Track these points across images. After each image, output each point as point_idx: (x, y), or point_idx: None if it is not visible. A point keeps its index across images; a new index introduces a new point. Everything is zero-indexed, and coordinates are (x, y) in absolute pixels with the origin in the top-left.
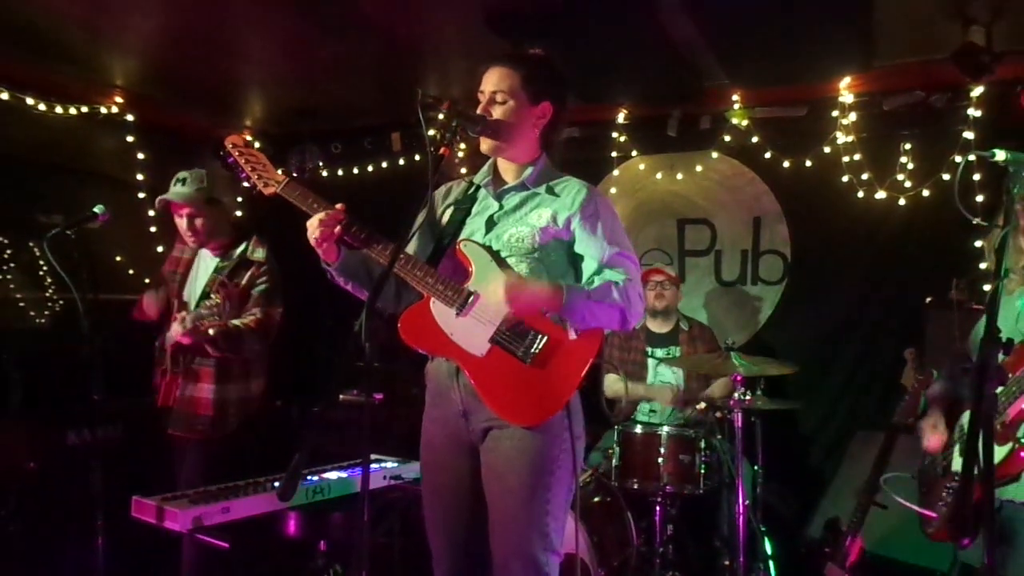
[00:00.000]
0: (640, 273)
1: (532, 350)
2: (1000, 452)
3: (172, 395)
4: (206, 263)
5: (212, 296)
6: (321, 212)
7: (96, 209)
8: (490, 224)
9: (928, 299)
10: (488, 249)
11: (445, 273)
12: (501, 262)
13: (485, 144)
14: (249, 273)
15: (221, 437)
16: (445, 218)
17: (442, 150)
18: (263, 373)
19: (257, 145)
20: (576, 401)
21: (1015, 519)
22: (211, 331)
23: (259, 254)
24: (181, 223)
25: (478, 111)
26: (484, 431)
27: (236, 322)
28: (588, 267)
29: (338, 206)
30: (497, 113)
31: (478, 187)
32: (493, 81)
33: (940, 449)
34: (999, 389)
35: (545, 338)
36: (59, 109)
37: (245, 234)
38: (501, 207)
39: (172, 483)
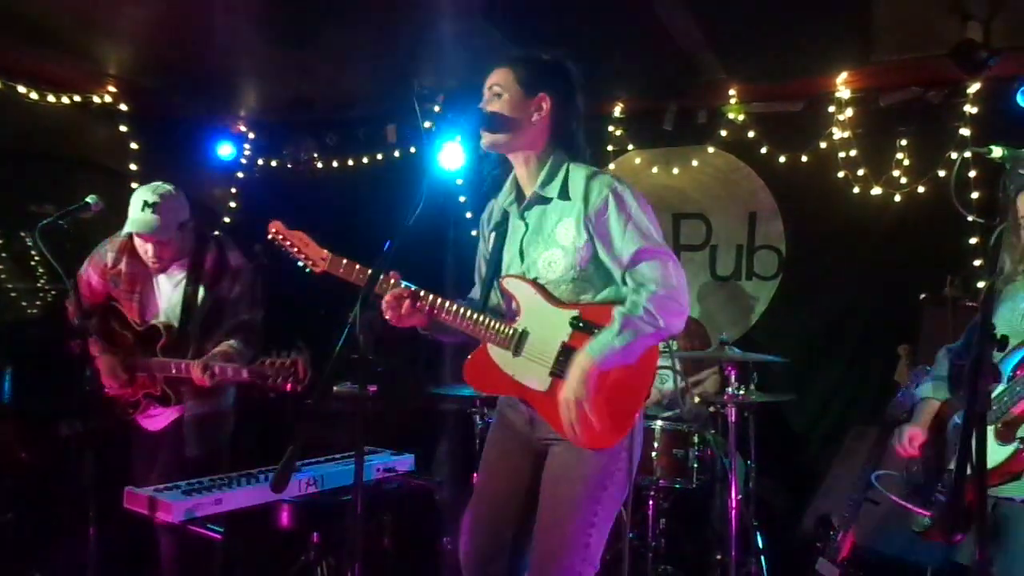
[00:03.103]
0: (669, 263)
1: None
2: (1004, 451)
3: (150, 413)
4: (167, 273)
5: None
6: (387, 293)
7: (88, 199)
8: (521, 252)
9: (923, 295)
10: (530, 282)
11: (504, 304)
12: (547, 295)
13: (485, 139)
14: (229, 281)
15: (198, 454)
16: (491, 245)
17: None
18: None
19: (252, 136)
20: (639, 423)
21: (1011, 517)
22: (244, 373)
23: (235, 259)
24: (146, 248)
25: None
26: (547, 442)
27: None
28: (615, 274)
29: (391, 273)
30: (494, 106)
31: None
32: (491, 80)
33: (905, 457)
34: (1001, 387)
35: None
36: (51, 98)
37: (204, 239)
38: (527, 227)
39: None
